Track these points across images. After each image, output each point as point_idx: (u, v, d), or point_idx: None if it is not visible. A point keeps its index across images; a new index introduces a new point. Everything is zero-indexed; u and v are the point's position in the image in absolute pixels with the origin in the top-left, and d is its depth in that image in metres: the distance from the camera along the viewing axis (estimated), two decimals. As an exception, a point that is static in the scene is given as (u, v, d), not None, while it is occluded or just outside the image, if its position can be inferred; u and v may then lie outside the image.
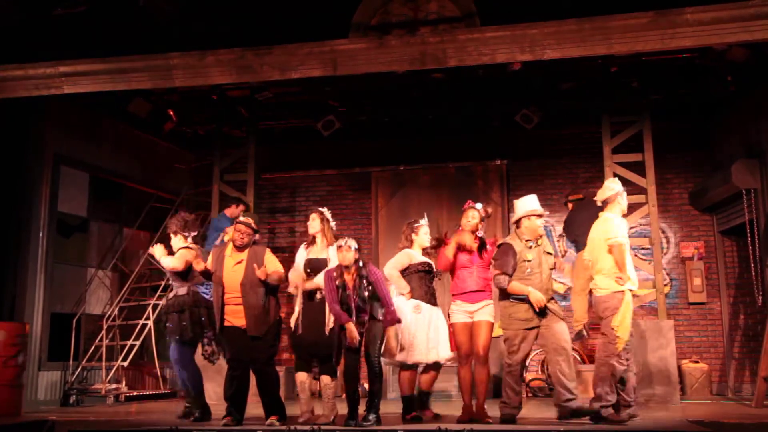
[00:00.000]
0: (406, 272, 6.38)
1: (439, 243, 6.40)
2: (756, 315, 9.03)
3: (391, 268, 6.39)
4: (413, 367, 6.31)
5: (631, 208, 8.78)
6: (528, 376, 9.39)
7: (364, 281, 5.79)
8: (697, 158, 9.95)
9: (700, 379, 8.91)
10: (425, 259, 6.44)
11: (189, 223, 6.84)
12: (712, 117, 9.77)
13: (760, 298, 8.50)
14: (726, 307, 9.55)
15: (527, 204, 6.06)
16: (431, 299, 6.37)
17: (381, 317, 5.83)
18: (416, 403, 6.34)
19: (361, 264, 5.85)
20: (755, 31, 6.43)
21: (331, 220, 6.50)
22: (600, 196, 6.14)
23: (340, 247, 5.84)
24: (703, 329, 9.65)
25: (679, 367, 8.74)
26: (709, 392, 8.97)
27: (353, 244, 5.84)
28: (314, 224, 6.45)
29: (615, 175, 8.81)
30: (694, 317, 9.68)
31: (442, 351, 6.24)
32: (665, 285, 9.41)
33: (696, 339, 9.63)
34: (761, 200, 8.33)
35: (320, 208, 6.57)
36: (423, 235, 6.47)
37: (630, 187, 9.01)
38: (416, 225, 6.53)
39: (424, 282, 6.37)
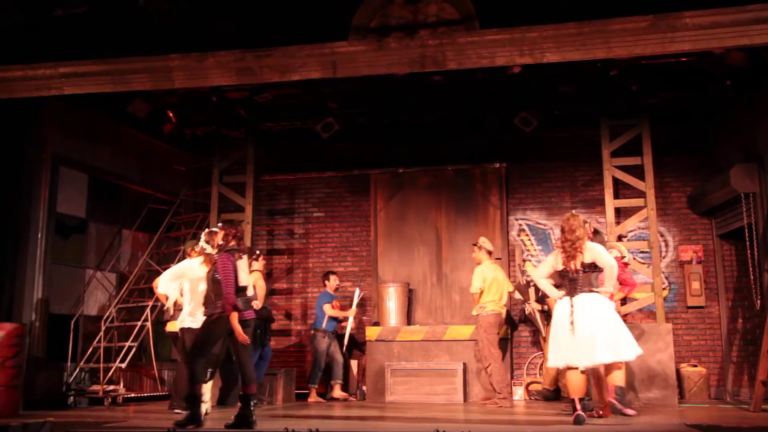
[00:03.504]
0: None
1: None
2: (754, 319, 9.02)
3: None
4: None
5: (630, 211, 8.84)
6: (527, 379, 9.39)
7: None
8: (695, 162, 9.95)
9: (698, 382, 8.91)
10: None
11: None
12: (711, 121, 9.77)
13: (759, 301, 8.50)
14: (724, 310, 9.54)
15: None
16: None
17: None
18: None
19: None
20: (754, 36, 6.43)
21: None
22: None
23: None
24: (701, 333, 9.65)
25: (678, 371, 8.75)
26: (708, 396, 8.96)
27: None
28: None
29: (614, 178, 8.85)
30: (692, 321, 9.68)
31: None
32: (664, 288, 9.42)
33: (694, 343, 9.63)
34: (760, 204, 8.33)
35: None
36: None
37: (629, 190, 9.06)
38: None
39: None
